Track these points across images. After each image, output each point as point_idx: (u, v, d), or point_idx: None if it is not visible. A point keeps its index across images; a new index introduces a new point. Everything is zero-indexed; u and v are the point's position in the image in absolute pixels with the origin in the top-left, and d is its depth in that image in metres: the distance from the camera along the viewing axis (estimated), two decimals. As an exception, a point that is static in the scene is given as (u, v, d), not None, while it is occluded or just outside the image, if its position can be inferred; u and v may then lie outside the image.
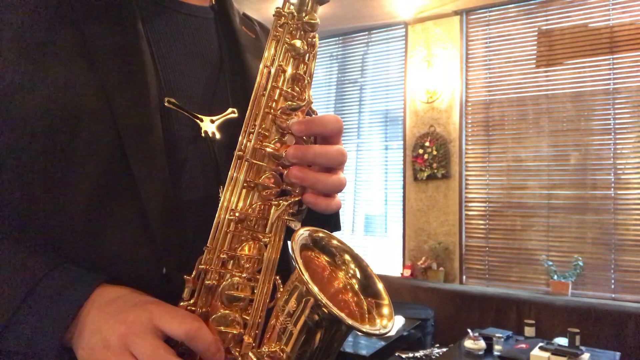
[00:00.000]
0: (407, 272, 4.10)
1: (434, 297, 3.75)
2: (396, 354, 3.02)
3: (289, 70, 0.55)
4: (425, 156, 4.07)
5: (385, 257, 4.41)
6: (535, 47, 3.81)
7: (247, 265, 0.52)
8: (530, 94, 3.82)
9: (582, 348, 2.64)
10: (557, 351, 2.60)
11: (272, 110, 0.53)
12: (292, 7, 0.55)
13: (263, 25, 0.80)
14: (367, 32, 4.62)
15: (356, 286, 0.56)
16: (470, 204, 4.03)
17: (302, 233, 0.54)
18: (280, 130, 0.53)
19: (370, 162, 4.64)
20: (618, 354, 2.78)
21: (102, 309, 0.47)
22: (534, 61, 3.80)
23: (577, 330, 2.69)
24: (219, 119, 0.61)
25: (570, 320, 3.20)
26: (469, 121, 4.07)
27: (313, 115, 0.56)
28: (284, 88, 0.54)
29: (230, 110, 0.62)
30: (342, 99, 4.78)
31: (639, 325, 3.05)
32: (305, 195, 0.54)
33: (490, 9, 4.00)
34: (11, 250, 0.50)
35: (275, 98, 0.54)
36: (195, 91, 0.61)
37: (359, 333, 0.51)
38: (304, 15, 0.55)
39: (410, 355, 3.05)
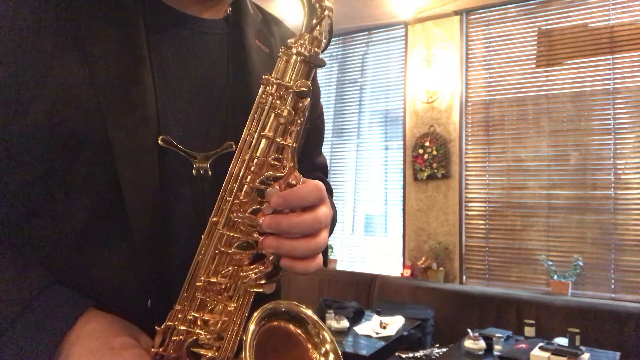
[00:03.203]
0: (407, 272, 4.10)
1: (434, 297, 3.75)
2: (396, 354, 3.02)
3: (274, 136, 0.53)
4: (425, 156, 4.07)
5: (385, 257, 4.41)
6: (535, 47, 3.81)
7: (213, 328, 0.54)
8: (530, 94, 3.82)
9: (582, 348, 2.64)
10: (557, 351, 2.60)
11: (250, 181, 0.53)
12: (279, 78, 0.53)
13: (281, 24, 0.76)
14: (367, 32, 4.62)
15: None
16: (470, 204, 4.03)
17: (266, 308, 0.55)
18: (258, 199, 0.53)
19: (370, 162, 4.64)
20: (618, 354, 2.78)
21: (85, 341, 0.48)
22: (534, 61, 3.80)
23: (577, 330, 2.69)
24: (215, 154, 0.60)
25: (570, 320, 3.20)
26: (469, 121, 4.07)
27: (296, 184, 0.54)
28: (266, 157, 0.53)
29: (227, 144, 0.60)
30: (342, 99, 4.78)
31: (639, 325, 3.05)
32: (282, 260, 0.53)
33: (490, 9, 4.00)
34: (4, 267, 0.51)
35: (253, 169, 0.53)
36: (194, 121, 0.61)
37: None
38: (293, 84, 0.52)
39: (410, 355, 3.05)
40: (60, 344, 0.48)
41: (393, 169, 4.48)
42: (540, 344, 2.71)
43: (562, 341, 2.81)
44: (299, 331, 0.58)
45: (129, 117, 0.54)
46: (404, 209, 4.26)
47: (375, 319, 3.25)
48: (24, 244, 0.53)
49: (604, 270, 3.48)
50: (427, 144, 4.07)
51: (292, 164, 0.54)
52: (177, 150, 0.57)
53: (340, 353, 0.58)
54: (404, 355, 3.01)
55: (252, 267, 0.53)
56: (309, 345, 0.58)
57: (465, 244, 4.01)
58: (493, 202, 3.94)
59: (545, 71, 3.76)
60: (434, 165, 4.03)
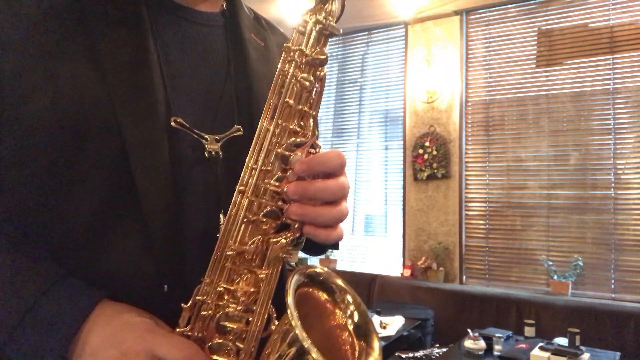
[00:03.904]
0: (407, 272, 4.10)
1: (434, 297, 3.75)
2: (396, 354, 3.02)
3: (295, 105, 0.54)
4: (425, 156, 4.07)
5: (385, 257, 4.41)
6: (535, 47, 3.81)
7: (243, 299, 0.53)
8: (530, 94, 3.82)
9: (582, 348, 2.64)
10: (557, 351, 2.60)
11: (275, 147, 0.53)
12: (302, 44, 0.54)
13: (273, 26, 0.79)
14: (367, 32, 4.62)
15: (351, 327, 0.57)
16: (470, 204, 4.03)
17: (301, 272, 0.55)
18: (282, 167, 0.53)
19: (370, 162, 4.64)
20: (618, 354, 2.78)
21: (101, 330, 0.47)
22: (534, 61, 3.80)
23: (577, 330, 2.69)
24: (224, 137, 0.61)
25: (570, 320, 3.20)
26: (469, 121, 4.07)
27: (317, 151, 0.55)
28: (289, 124, 0.54)
29: (235, 128, 0.62)
30: (342, 99, 4.78)
31: (639, 325, 3.05)
32: (305, 227, 0.54)
33: (490, 9, 4.00)
34: (14, 262, 0.50)
35: (280, 133, 0.54)
36: (201, 107, 0.61)
37: None
38: (312, 51, 0.54)
39: (410, 355, 3.05)
40: (76, 333, 0.47)
41: (393, 169, 4.48)
42: (540, 344, 2.71)
43: (562, 341, 2.81)
44: (327, 298, 0.57)
45: (138, 102, 0.54)
46: (404, 209, 4.26)
47: (375, 319, 3.25)
48: (33, 238, 0.52)
49: (604, 270, 3.48)
50: (427, 144, 4.07)
51: (313, 132, 0.54)
52: (188, 132, 0.58)
53: (365, 310, 0.58)
54: (404, 355, 3.01)
55: (279, 234, 0.53)
56: (337, 311, 0.57)
57: (465, 244, 4.01)
58: (493, 202, 3.94)
59: (545, 71, 3.76)
60: (434, 165, 4.03)
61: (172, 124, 0.57)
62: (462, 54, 4.07)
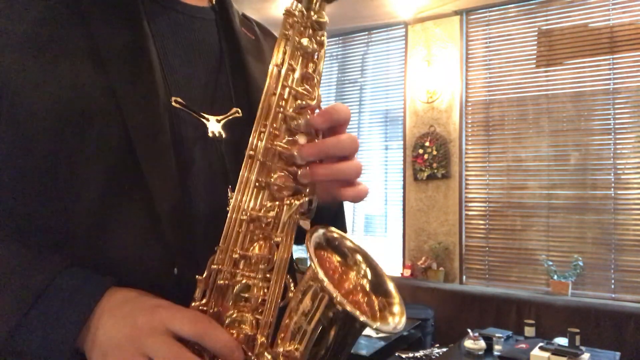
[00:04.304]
0: (407, 272, 4.10)
1: (434, 297, 3.75)
2: (396, 354, 3.02)
3: (299, 69, 0.54)
4: (425, 156, 4.07)
5: (385, 257, 4.41)
6: (535, 47, 3.81)
7: (260, 266, 0.52)
8: (530, 94, 3.82)
9: (582, 348, 2.64)
10: (557, 351, 2.60)
11: (282, 110, 0.53)
12: (300, 6, 0.55)
13: (262, 26, 0.80)
14: (367, 32, 4.62)
15: (367, 286, 0.57)
16: (470, 204, 4.03)
17: (317, 231, 0.54)
18: (290, 130, 0.53)
19: (370, 162, 4.64)
20: (618, 354, 2.78)
21: (112, 313, 0.47)
22: (534, 61, 3.80)
23: (577, 330, 2.69)
24: (224, 118, 0.61)
25: (570, 320, 3.20)
26: (469, 121, 4.07)
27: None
28: (294, 87, 0.54)
29: (234, 110, 0.62)
30: (342, 99, 4.78)
31: (639, 325, 3.05)
32: (336, 190, 0.55)
33: (490, 9, 4.00)
34: (19, 252, 0.50)
35: (286, 97, 0.54)
36: (198, 91, 0.61)
37: (373, 330, 0.52)
38: (312, 14, 0.55)
39: (410, 355, 3.05)
40: (85, 322, 0.46)
41: (393, 169, 4.48)
42: (540, 344, 2.71)
43: (562, 341, 2.81)
44: (340, 260, 0.57)
45: (138, 85, 0.54)
46: (404, 209, 4.26)
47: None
48: (38, 229, 0.52)
49: (604, 270, 3.48)
50: (427, 144, 4.07)
51: (319, 96, 0.55)
52: (189, 112, 0.58)
53: (376, 265, 0.58)
54: (404, 355, 3.01)
55: (292, 197, 0.53)
56: (352, 273, 0.57)
57: (465, 244, 4.01)
58: (493, 202, 3.94)
59: (545, 71, 3.76)
60: (434, 165, 4.03)
61: (173, 103, 0.57)
62: (462, 54, 4.07)
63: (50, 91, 0.50)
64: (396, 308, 0.54)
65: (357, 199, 0.56)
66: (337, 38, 4.72)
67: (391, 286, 0.56)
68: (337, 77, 4.81)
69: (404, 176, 4.27)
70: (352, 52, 4.74)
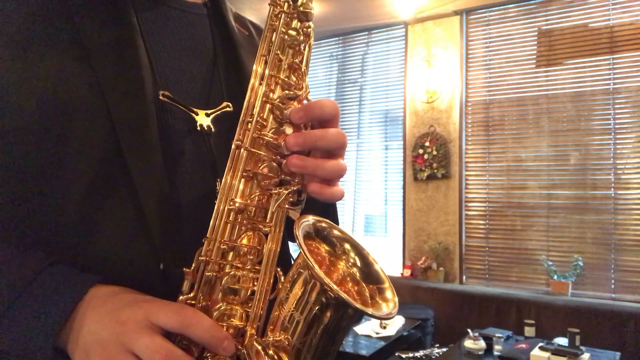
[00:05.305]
0: (407, 272, 4.10)
1: (434, 297, 3.75)
2: (396, 354, 3.02)
3: (286, 59, 0.54)
4: (425, 156, 4.07)
5: (385, 257, 4.41)
6: (535, 47, 3.81)
7: (248, 257, 0.51)
8: (530, 94, 3.82)
9: (582, 348, 2.64)
10: (557, 351, 2.60)
11: (269, 100, 0.53)
12: None
13: (255, 24, 0.80)
14: (367, 32, 4.62)
15: (357, 275, 0.56)
16: (470, 204, 4.03)
17: (306, 220, 0.54)
18: (277, 120, 0.53)
19: (370, 162, 4.64)
20: (618, 354, 2.78)
21: (96, 309, 0.46)
22: (534, 61, 3.80)
23: (577, 330, 2.69)
24: (214, 112, 0.61)
25: (570, 320, 3.20)
26: (469, 121, 4.07)
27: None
28: (281, 77, 0.54)
29: (224, 104, 0.62)
30: (342, 99, 4.78)
31: (639, 325, 3.05)
32: (310, 185, 0.53)
33: (490, 9, 4.00)
34: (1, 249, 0.49)
35: (273, 88, 0.54)
36: (189, 85, 0.61)
37: (367, 316, 0.51)
38: (299, 4, 0.55)
39: (410, 355, 3.05)
40: (68, 319, 0.46)
41: (393, 169, 4.48)
42: (540, 344, 2.71)
43: (562, 341, 2.81)
44: (329, 249, 0.57)
45: (124, 79, 0.53)
46: (404, 209, 4.26)
47: (375, 319, 3.25)
48: (23, 226, 0.51)
49: (604, 270, 3.48)
50: (427, 144, 4.07)
51: (306, 87, 0.54)
52: (177, 106, 0.58)
53: (365, 253, 0.57)
54: (404, 355, 3.01)
55: (279, 188, 0.53)
56: (341, 262, 0.57)
57: (465, 244, 4.01)
58: (493, 202, 3.94)
59: (545, 71, 3.76)
60: (434, 165, 4.03)
61: (161, 97, 0.56)
62: (462, 54, 4.07)
63: (35, 86, 0.50)
64: (388, 293, 0.54)
65: (332, 199, 0.54)
66: (337, 38, 4.72)
67: (380, 270, 0.56)
68: (337, 77, 4.81)
69: (404, 176, 4.27)
70: (352, 52, 4.74)
